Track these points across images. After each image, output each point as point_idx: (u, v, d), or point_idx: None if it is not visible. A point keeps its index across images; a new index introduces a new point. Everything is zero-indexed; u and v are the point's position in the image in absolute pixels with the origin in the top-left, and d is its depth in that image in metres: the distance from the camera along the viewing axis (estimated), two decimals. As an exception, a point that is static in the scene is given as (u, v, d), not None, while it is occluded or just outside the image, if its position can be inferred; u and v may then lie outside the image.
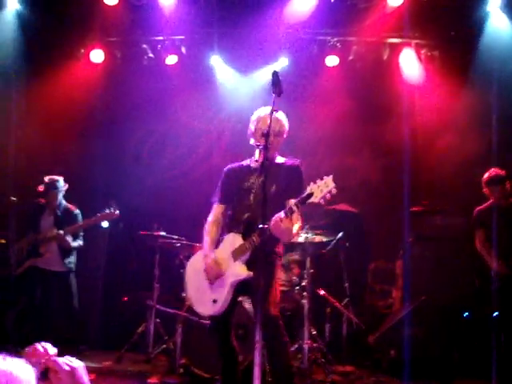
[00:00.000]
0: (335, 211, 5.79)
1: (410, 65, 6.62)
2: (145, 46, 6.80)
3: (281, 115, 3.56)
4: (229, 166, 3.77)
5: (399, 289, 5.96)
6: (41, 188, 5.71)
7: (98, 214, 5.47)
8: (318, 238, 5.19)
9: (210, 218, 3.69)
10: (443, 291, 5.61)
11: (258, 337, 2.88)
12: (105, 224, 5.89)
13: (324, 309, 5.36)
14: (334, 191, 3.04)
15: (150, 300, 5.50)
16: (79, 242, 5.69)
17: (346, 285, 5.52)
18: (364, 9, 6.14)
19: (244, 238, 3.40)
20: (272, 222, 3.15)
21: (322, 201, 3.03)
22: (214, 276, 3.43)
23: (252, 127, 3.60)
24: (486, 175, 5.25)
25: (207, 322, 4.65)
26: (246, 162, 3.73)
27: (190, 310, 4.84)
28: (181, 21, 6.41)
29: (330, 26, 6.58)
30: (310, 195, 3.05)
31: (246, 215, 3.44)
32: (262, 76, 6.72)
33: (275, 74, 3.14)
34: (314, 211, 4.73)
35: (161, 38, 6.74)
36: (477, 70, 6.18)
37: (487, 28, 6.18)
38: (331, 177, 3.05)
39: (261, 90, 6.29)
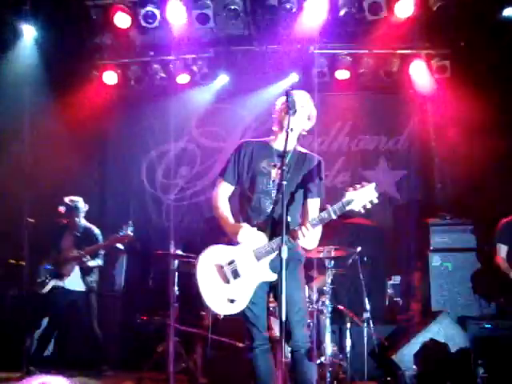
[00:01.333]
0: (352, 225, 5.77)
1: (421, 75, 6.62)
2: (156, 66, 6.88)
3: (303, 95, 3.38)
4: (245, 140, 3.48)
5: (418, 301, 5.91)
6: (61, 209, 5.78)
7: (112, 237, 5.54)
8: (336, 253, 5.17)
9: (217, 193, 3.39)
10: (462, 302, 5.57)
11: (280, 355, 2.81)
12: (120, 246, 5.92)
13: (344, 324, 5.31)
14: (376, 201, 2.90)
15: (168, 319, 5.49)
16: (98, 262, 5.74)
17: (366, 299, 5.47)
18: (373, 21, 6.15)
19: (268, 236, 3.10)
20: (302, 229, 2.97)
21: (361, 210, 2.89)
22: (254, 240, 3.12)
23: (274, 115, 3.39)
24: None
25: (228, 340, 4.69)
26: (265, 140, 3.44)
27: (210, 328, 4.86)
28: (191, 40, 6.48)
29: (340, 39, 6.60)
30: (350, 202, 2.89)
31: (271, 208, 3.10)
32: (274, 92, 6.75)
33: (289, 94, 3.10)
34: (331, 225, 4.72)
35: (172, 57, 6.82)
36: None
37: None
38: (374, 184, 2.89)
39: (272, 107, 6.31)
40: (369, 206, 2.90)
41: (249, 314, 3.23)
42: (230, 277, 3.17)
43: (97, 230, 5.83)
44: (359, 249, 5.38)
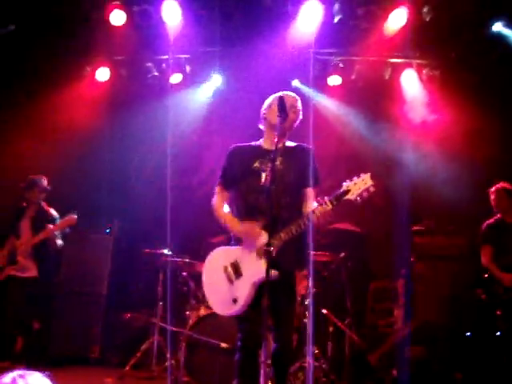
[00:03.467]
0: (338, 230, 5.83)
1: (412, 84, 6.70)
2: (150, 64, 6.88)
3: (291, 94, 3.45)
4: (235, 145, 3.52)
5: (401, 308, 5.98)
6: (22, 184, 5.65)
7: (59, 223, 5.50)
8: (320, 258, 5.22)
9: (216, 203, 3.43)
10: (445, 310, 5.63)
11: (263, 357, 2.84)
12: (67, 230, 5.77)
13: (326, 328, 5.36)
14: (372, 189, 2.94)
15: (153, 317, 5.52)
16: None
17: (349, 304, 5.53)
18: (366, 29, 6.21)
19: (268, 234, 3.09)
20: (320, 208, 2.99)
21: (358, 199, 2.93)
22: (255, 238, 3.14)
23: (263, 114, 3.47)
24: (493, 188, 5.28)
25: (210, 340, 4.72)
26: (255, 143, 3.51)
27: (194, 327, 4.89)
28: (186, 40, 6.49)
29: (333, 45, 6.65)
30: (346, 192, 2.94)
31: (267, 206, 3.09)
32: (267, 94, 6.78)
33: (281, 99, 3.15)
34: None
35: (166, 56, 6.83)
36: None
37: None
38: (369, 174, 2.95)
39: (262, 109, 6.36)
40: (365, 194, 2.94)
41: (248, 313, 3.22)
42: (233, 276, 3.22)
43: (54, 214, 5.66)
44: (343, 254, 5.45)
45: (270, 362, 3.31)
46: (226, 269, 3.26)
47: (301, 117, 3.47)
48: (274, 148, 3.09)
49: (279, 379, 3.23)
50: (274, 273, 3.08)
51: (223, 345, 4.72)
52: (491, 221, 5.32)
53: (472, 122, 6.16)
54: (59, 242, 5.62)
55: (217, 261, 3.34)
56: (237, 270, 3.23)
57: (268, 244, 2.89)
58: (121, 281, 6.56)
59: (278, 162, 3.24)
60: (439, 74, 6.56)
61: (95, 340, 6.06)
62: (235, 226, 3.31)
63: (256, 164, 3.33)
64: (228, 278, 3.24)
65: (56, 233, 5.59)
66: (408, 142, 6.38)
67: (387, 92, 6.73)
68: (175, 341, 5.25)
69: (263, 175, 3.26)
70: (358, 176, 3.02)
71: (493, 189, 5.28)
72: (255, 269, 3.14)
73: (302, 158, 3.34)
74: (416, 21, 5.95)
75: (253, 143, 3.51)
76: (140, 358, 5.47)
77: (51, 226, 5.52)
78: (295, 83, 6.83)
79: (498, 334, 5.01)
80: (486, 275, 5.18)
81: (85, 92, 6.89)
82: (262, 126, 3.49)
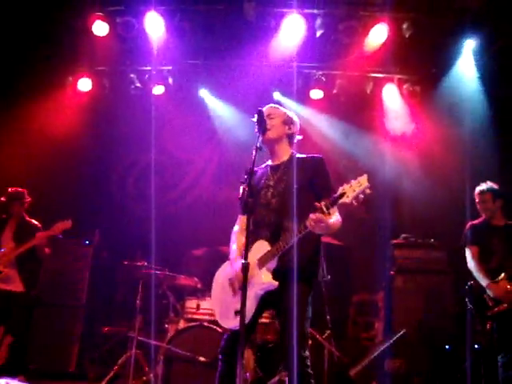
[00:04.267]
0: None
1: (393, 99, 6.78)
2: (132, 75, 6.89)
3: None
4: (249, 169, 3.42)
5: (381, 321, 5.99)
6: (3, 198, 5.58)
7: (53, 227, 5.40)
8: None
9: (236, 228, 3.50)
10: (425, 323, 5.65)
11: (238, 370, 2.79)
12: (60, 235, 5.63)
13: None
14: (368, 191, 2.89)
15: (131, 331, 5.45)
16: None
17: (328, 317, 5.52)
18: (348, 44, 6.29)
19: (271, 244, 3.15)
20: (316, 215, 2.94)
21: (354, 201, 2.88)
22: (240, 285, 3.09)
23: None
24: (477, 190, 5.04)
25: (189, 354, 4.67)
26: (264, 164, 3.54)
27: (172, 341, 4.84)
28: (168, 52, 6.51)
29: (315, 59, 6.72)
30: (342, 195, 2.89)
31: (271, 218, 3.14)
32: (247, 107, 6.82)
33: (260, 112, 3.17)
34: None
35: (148, 68, 6.84)
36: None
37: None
38: (365, 176, 2.91)
39: (245, 121, 6.39)
40: (361, 196, 2.89)
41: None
42: (236, 289, 3.22)
43: (37, 224, 5.60)
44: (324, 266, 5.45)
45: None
46: (230, 281, 3.29)
47: (291, 116, 3.48)
48: (277, 161, 3.20)
49: None
50: (274, 283, 3.10)
51: (201, 358, 4.67)
52: (476, 222, 5.08)
53: (451, 136, 6.25)
54: (47, 249, 5.56)
55: (224, 273, 3.39)
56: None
57: (245, 269, 2.86)
58: (100, 292, 6.48)
59: (279, 174, 3.33)
60: (419, 88, 6.66)
61: (72, 353, 5.95)
62: (232, 260, 3.34)
63: (262, 181, 3.40)
64: (232, 291, 3.26)
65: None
66: (389, 155, 6.43)
67: (369, 106, 6.81)
68: (154, 354, 5.19)
69: (267, 191, 3.33)
70: (355, 178, 2.97)
71: (477, 190, 5.03)
72: (255, 280, 3.14)
73: (310, 166, 3.33)
74: (396, 36, 6.05)
75: (263, 165, 3.55)
76: (117, 372, 5.39)
77: (42, 233, 5.45)
78: (276, 96, 6.87)
79: (477, 347, 5.03)
80: (471, 283, 4.85)
81: (67, 102, 6.87)
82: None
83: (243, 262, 2.86)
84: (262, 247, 3.20)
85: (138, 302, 5.47)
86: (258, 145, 3.15)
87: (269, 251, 3.15)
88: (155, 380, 4.99)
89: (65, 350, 5.92)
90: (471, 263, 4.88)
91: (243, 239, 3.16)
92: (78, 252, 6.31)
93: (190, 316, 5.09)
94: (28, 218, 5.67)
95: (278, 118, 3.45)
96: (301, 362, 3.05)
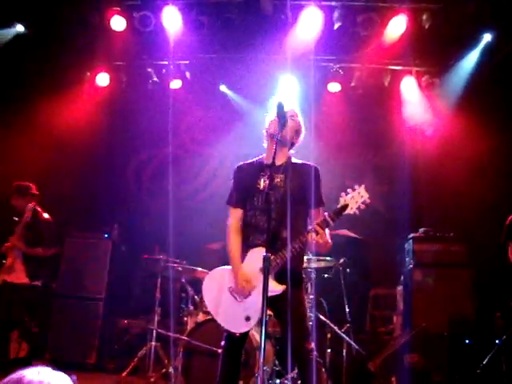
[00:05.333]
0: (337, 236, 5.80)
1: (411, 92, 6.71)
2: (150, 70, 6.92)
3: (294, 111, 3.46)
4: (239, 164, 3.54)
5: (400, 315, 5.96)
6: (13, 191, 5.50)
7: None
8: (319, 264, 5.21)
9: (230, 224, 3.42)
10: (443, 317, 5.60)
11: (260, 362, 2.80)
12: None
13: (325, 334, 5.34)
14: (368, 201, 3.03)
15: (151, 323, 5.49)
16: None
17: (347, 310, 5.51)
18: (366, 36, 6.23)
19: (270, 251, 3.06)
20: (312, 235, 3.05)
21: (356, 212, 3.01)
22: (245, 293, 3.21)
23: (264, 132, 3.48)
24: None
25: (208, 346, 4.69)
26: (257, 159, 3.51)
27: (191, 333, 4.86)
28: (185, 46, 6.52)
29: (333, 52, 6.68)
30: (346, 207, 3.00)
31: (270, 224, 3.02)
32: (266, 100, 6.79)
33: (280, 106, 3.12)
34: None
35: (166, 62, 6.85)
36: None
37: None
38: (363, 186, 3.04)
39: (263, 116, 6.37)
40: (362, 207, 3.01)
41: None
42: (241, 296, 3.24)
43: (47, 217, 5.52)
44: (342, 260, 5.44)
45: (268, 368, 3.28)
46: (231, 289, 3.29)
47: (303, 129, 3.47)
48: (273, 161, 3.05)
49: (304, 381, 3.26)
50: (281, 287, 3.13)
51: (220, 351, 4.68)
52: None
53: (470, 129, 6.17)
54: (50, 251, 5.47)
55: (219, 282, 3.36)
56: None
57: (266, 260, 2.81)
58: (119, 286, 6.54)
59: (278, 179, 3.28)
60: (438, 81, 6.59)
61: (92, 345, 6.02)
62: (234, 267, 3.31)
63: (258, 181, 3.34)
64: (235, 298, 3.27)
65: None
66: (407, 148, 6.38)
67: (387, 99, 6.75)
68: (173, 347, 5.22)
69: (266, 193, 3.18)
70: (353, 189, 3.07)
71: None
72: (262, 287, 3.11)
73: (305, 177, 3.32)
74: (415, 28, 5.98)
75: (255, 159, 3.51)
76: (137, 364, 5.44)
77: (41, 250, 5.40)
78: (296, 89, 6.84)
79: (498, 342, 4.97)
80: None
81: (85, 97, 6.91)
82: (265, 144, 3.49)
83: (264, 254, 2.85)
84: (261, 254, 3.04)
85: (157, 295, 5.52)
86: (279, 137, 3.12)
87: (273, 260, 3.11)
88: (175, 372, 5.03)
89: (85, 341, 5.98)
90: None
91: (238, 241, 3.31)
92: (97, 246, 6.37)
93: (208, 309, 5.10)
94: (39, 215, 5.53)
95: (295, 124, 3.44)
96: (308, 353, 3.15)
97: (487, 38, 6.13)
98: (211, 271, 3.47)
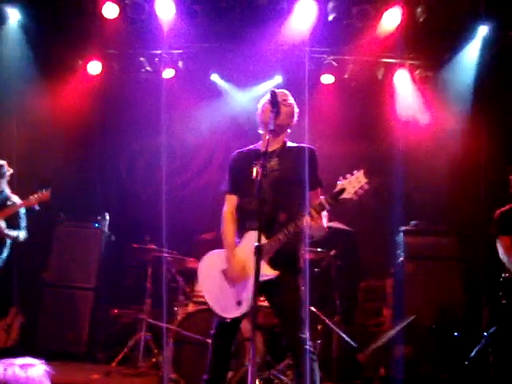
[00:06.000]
0: (328, 228, 5.80)
1: (405, 85, 6.71)
2: (142, 59, 6.86)
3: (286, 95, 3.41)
4: (236, 151, 3.51)
5: (390, 307, 5.99)
6: None
7: (31, 197, 5.16)
8: (310, 255, 5.20)
9: (226, 211, 3.39)
10: (433, 310, 5.64)
11: (252, 354, 2.80)
12: (36, 207, 5.29)
13: (315, 326, 5.36)
14: (366, 186, 2.97)
15: (141, 313, 5.48)
16: (18, 233, 5.24)
17: (337, 302, 5.53)
18: (360, 28, 6.21)
19: (266, 236, 3.07)
20: (307, 218, 3.01)
21: (354, 196, 2.96)
22: (239, 279, 3.19)
23: (258, 118, 3.44)
24: None
25: (199, 337, 4.69)
26: (253, 146, 3.49)
27: (182, 324, 4.86)
28: (179, 35, 6.45)
29: (327, 44, 6.65)
30: (342, 191, 2.96)
31: (263, 208, 3.01)
32: (257, 92, 6.77)
33: (273, 93, 3.12)
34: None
35: (158, 51, 6.79)
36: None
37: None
38: (362, 171, 2.98)
39: (255, 106, 6.35)
40: (360, 192, 2.96)
41: None
42: (235, 279, 3.21)
43: (16, 199, 5.32)
44: (333, 252, 5.44)
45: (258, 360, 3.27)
46: (225, 272, 3.26)
47: (296, 111, 3.43)
48: (267, 149, 3.04)
49: (297, 371, 3.21)
50: (274, 273, 3.09)
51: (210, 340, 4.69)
52: (505, 209, 4.80)
53: (463, 123, 6.19)
54: (13, 232, 5.23)
55: (213, 265, 3.33)
56: None
57: (259, 245, 2.80)
58: (110, 275, 6.51)
59: (272, 163, 3.24)
60: (432, 74, 6.59)
61: (82, 335, 6.00)
62: (228, 254, 3.28)
63: (252, 169, 3.21)
64: (228, 281, 3.24)
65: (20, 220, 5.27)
66: (399, 142, 6.38)
67: (380, 91, 6.74)
68: (163, 337, 5.22)
69: (261, 179, 3.11)
70: (352, 174, 3.01)
71: None
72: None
73: (301, 159, 3.27)
74: (410, 21, 5.96)
75: (251, 147, 3.49)
76: (127, 354, 5.43)
77: (19, 202, 5.23)
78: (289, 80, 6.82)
79: (485, 334, 5.02)
80: (506, 275, 4.63)
81: (76, 85, 6.84)
82: (260, 131, 3.46)
83: (256, 244, 2.85)
84: (256, 238, 3.06)
85: (147, 285, 5.51)
86: (272, 127, 3.10)
87: (266, 244, 3.08)
88: (165, 362, 5.02)
89: (75, 331, 5.95)
90: (503, 254, 4.67)
91: (232, 227, 3.29)
92: (87, 235, 6.33)
93: (199, 299, 5.10)
94: (9, 193, 5.38)
95: (290, 107, 3.40)
96: (303, 343, 3.09)
97: (483, 30, 6.12)
98: (208, 253, 3.43)
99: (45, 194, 5.20)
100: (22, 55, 6.42)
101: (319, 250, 5.29)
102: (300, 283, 3.27)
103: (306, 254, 5.05)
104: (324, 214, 3.14)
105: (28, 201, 5.21)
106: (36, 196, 5.20)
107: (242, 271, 3.20)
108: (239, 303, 3.18)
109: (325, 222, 3.17)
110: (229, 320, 3.22)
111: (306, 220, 3.04)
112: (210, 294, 3.33)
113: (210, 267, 3.36)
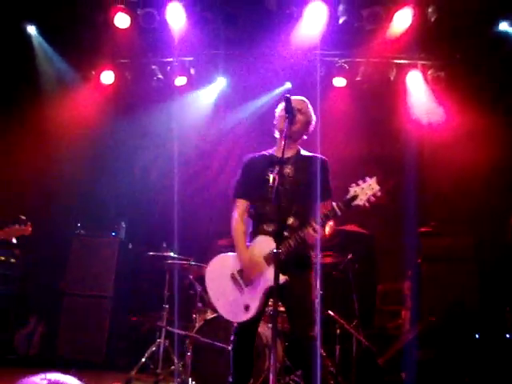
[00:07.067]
0: (345, 232, 5.79)
1: (417, 86, 6.67)
2: (154, 67, 6.91)
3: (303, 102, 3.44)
4: (249, 156, 3.52)
5: (408, 309, 5.94)
6: None
7: (6, 228, 4.29)
8: (327, 259, 5.19)
9: (236, 215, 3.40)
10: (452, 312, 5.58)
11: (272, 359, 2.79)
12: (13, 240, 4.38)
13: (334, 330, 5.33)
14: (379, 194, 2.97)
15: (159, 321, 5.49)
16: None
17: (356, 306, 5.50)
18: (371, 30, 6.20)
19: (276, 241, 3.07)
20: (310, 230, 3.04)
21: (366, 203, 2.96)
22: (251, 276, 3.18)
23: (275, 122, 3.46)
24: None
25: (217, 343, 4.69)
26: (268, 152, 3.49)
27: (200, 331, 4.86)
28: (190, 42, 6.50)
29: (338, 47, 6.64)
30: (355, 197, 2.97)
31: (276, 214, 3.07)
32: (270, 98, 6.78)
33: (288, 100, 3.11)
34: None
35: (170, 59, 6.84)
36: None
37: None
38: (375, 179, 2.99)
39: (269, 113, 6.36)
40: (372, 199, 2.96)
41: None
42: (242, 284, 3.23)
43: None
44: (350, 256, 5.42)
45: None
46: (233, 276, 3.27)
47: (313, 120, 3.45)
48: (283, 156, 3.04)
49: (304, 371, 3.26)
50: (283, 278, 3.07)
51: (230, 348, 4.68)
52: None
53: (477, 123, 6.13)
54: None
55: (221, 268, 3.34)
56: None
57: (276, 250, 2.83)
58: (127, 283, 6.55)
59: (288, 170, 3.27)
60: (444, 74, 6.54)
61: (101, 343, 6.03)
62: (241, 253, 3.29)
63: (268, 175, 3.30)
64: (237, 286, 3.24)
65: None
66: (414, 143, 6.34)
67: (392, 93, 6.71)
68: (182, 344, 5.22)
69: (275, 185, 3.15)
70: (364, 180, 3.02)
71: None
72: (266, 276, 3.15)
73: (314, 169, 3.30)
74: (421, 21, 5.95)
75: (265, 152, 3.50)
76: (146, 362, 5.44)
77: None
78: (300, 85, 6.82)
79: (508, 336, 4.96)
80: None
81: (90, 95, 6.91)
82: (277, 135, 3.48)
83: (275, 250, 2.85)
84: (267, 243, 3.19)
85: (165, 292, 5.52)
86: (288, 134, 3.13)
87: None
88: (184, 369, 5.03)
89: (94, 339, 6.00)
90: None
91: (244, 229, 3.30)
92: (104, 244, 6.37)
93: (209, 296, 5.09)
94: None
95: (306, 116, 3.42)
96: (309, 340, 3.12)
97: (494, 29, 6.07)
98: (214, 258, 3.44)
99: (24, 229, 4.26)
100: (37, 67, 6.50)
101: (336, 254, 5.27)
102: (311, 279, 3.27)
103: (324, 259, 5.09)
104: (330, 223, 3.15)
105: (4, 232, 4.27)
106: (13, 228, 4.27)
107: (256, 269, 3.19)
108: (247, 308, 3.18)
109: (327, 231, 3.19)
110: (236, 325, 3.25)
111: (309, 231, 3.05)
112: (218, 298, 3.34)
113: (217, 272, 3.36)
